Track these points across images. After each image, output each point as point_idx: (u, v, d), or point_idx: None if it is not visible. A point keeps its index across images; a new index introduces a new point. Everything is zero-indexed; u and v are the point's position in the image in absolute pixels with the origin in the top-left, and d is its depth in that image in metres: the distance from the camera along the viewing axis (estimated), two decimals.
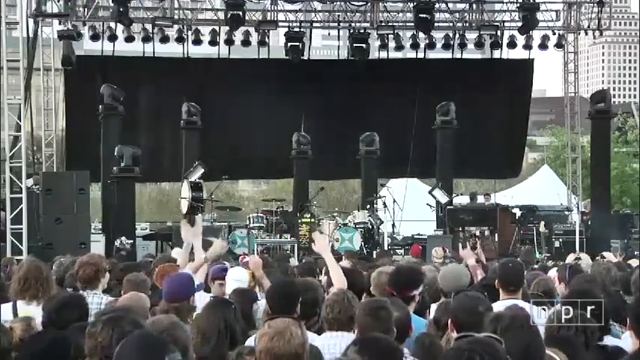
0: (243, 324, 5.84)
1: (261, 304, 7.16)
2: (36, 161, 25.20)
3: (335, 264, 7.11)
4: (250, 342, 5.75)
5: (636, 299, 4.98)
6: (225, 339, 5.38)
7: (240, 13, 23.63)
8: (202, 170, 21.68)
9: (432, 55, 29.07)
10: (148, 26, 25.19)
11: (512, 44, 26.29)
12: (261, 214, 22.00)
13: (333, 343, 5.40)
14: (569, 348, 4.80)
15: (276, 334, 4.30)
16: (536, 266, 12.90)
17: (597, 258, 12.05)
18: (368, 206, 22.57)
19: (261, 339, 4.34)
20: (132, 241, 20.21)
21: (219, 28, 25.62)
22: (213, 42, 25.78)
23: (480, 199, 24.73)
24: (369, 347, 4.24)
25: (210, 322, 5.45)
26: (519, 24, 25.26)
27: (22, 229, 18.00)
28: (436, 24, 25.19)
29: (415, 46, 26.47)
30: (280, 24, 25.57)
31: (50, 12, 21.22)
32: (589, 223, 23.62)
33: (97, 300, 7.04)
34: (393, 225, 22.74)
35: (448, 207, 22.84)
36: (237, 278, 7.62)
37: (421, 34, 25.93)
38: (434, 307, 6.86)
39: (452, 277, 7.28)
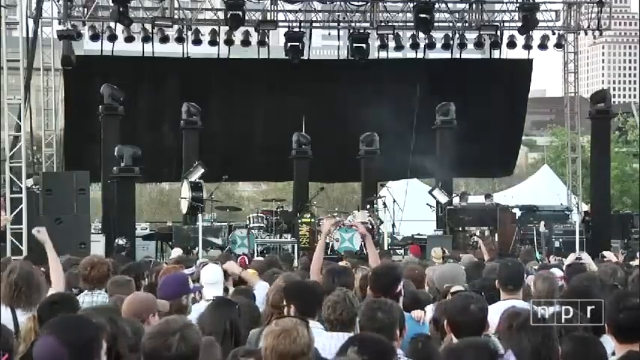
0: (246, 324, 5.84)
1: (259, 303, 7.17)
2: (36, 161, 25.19)
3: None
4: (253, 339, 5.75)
5: (610, 302, 4.97)
6: (230, 339, 5.39)
7: (240, 13, 23.63)
8: (202, 170, 21.70)
9: (431, 55, 29.07)
10: (148, 26, 25.20)
11: (511, 44, 26.29)
12: (261, 214, 22.00)
13: (334, 343, 5.39)
14: (584, 347, 4.80)
15: (282, 332, 4.31)
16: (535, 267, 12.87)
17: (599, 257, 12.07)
18: (368, 206, 22.57)
19: (267, 337, 4.35)
20: (129, 240, 20.21)
21: (219, 28, 25.62)
22: (213, 42, 25.78)
23: (473, 198, 24.71)
24: (365, 346, 4.25)
25: (216, 323, 5.45)
26: (519, 24, 25.26)
27: (22, 229, 18.00)
28: (436, 24, 25.20)
29: (415, 46, 26.47)
30: (280, 24, 25.57)
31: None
32: (589, 224, 23.59)
33: (101, 299, 7.05)
34: (393, 225, 22.73)
35: (448, 207, 22.85)
36: (211, 280, 7.38)
37: (421, 34, 25.93)
38: (431, 307, 6.87)
39: (449, 278, 7.27)
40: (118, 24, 24.31)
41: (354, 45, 25.61)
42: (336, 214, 23.94)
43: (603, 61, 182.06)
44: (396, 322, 5.30)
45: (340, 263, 10.21)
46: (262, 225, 21.48)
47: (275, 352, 4.27)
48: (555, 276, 8.27)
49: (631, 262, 12.56)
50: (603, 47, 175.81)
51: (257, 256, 18.18)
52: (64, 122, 26.65)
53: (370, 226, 21.56)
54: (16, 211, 18.15)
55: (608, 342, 4.92)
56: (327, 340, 5.41)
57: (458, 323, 5.00)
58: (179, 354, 3.96)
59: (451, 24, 26.18)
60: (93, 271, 7.24)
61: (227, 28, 25.10)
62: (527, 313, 4.51)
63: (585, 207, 26.28)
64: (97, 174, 21.98)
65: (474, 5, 25.94)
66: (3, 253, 16.40)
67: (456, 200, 23.68)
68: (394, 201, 22.84)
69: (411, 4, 24.67)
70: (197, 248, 19.65)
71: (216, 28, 25.76)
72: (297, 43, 25.31)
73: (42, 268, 7.48)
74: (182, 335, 4.00)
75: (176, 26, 25.39)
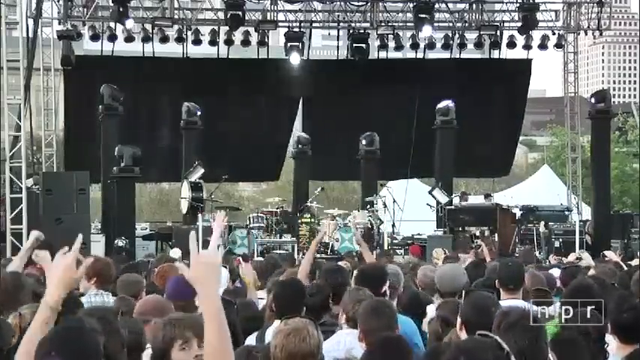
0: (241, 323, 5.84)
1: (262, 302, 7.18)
2: (36, 161, 25.19)
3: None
4: (250, 340, 5.75)
5: (613, 302, 4.96)
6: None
7: (240, 13, 23.65)
8: (202, 170, 21.69)
9: (431, 55, 29.08)
10: (148, 26, 25.19)
11: (511, 44, 26.28)
12: (261, 214, 22.01)
13: (350, 340, 5.41)
14: (573, 349, 4.78)
15: (292, 331, 4.31)
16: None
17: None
18: (368, 206, 22.56)
19: (277, 336, 4.35)
20: (130, 240, 20.21)
21: (219, 28, 25.62)
22: (213, 42, 25.77)
23: (473, 198, 24.67)
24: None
25: None
26: (519, 24, 25.26)
27: (22, 229, 17.99)
28: (436, 24, 25.20)
29: (415, 46, 26.47)
30: (280, 24, 25.58)
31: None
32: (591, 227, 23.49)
33: (106, 299, 7.05)
34: (393, 225, 22.72)
35: (448, 207, 22.84)
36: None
37: (421, 34, 25.92)
38: (432, 307, 6.86)
39: (450, 278, 7.24)
40: (117, 24, 24.30)
41: (354, 45, 25.62)
42: (336, 214, 23.82)
43: (603, 61, 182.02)
44: (396, 320, 5.33)
45: (340, 263, 10.21)
46: (262, 225, 21.49)
47: (284, 351, 4.27)
48: (541, 273, 8.30)
49: (630, 262, 12.54)
50: (603, 47, 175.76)
51: (257, 256, 18.18)
52: (64, 122, 26.67)
53: (370, 226, 21.58)
54: (16, 211, 18.17)
55: (611, 342, 4.93)
56: (342, 337, 5.43)
57: (477, 324, 4.88)
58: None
59: (451, 24, 26.18)
60: (103, 271, 7.23)
61: (227, 28, 25.10)
62: (516, 313, 4.47)
63: (587, 213, 26.18)
64: (97, 174, 21.96)
65: (474, 5, 25.94)
66: (3, 254, 16.39)
67: (456, 200, 23.67)
68: (394, 201, 22.84)
69: (411, 4, 24.67)
70: None
71: (216, 28, 25.76)
72: (297, 43, 25.31)
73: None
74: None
75: (176, 26, 25.38)
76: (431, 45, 26.48)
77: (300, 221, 21.84)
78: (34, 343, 3.70)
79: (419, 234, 23.27)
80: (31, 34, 22.21)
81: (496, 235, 22.12)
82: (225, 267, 8.29)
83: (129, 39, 25.29)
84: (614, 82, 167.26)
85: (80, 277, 3.99)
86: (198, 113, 23.73)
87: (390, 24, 25.54)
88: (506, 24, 26.26)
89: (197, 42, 25.73)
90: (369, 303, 5.57)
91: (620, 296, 5.17)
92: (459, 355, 3.33)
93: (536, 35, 26.38)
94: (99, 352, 3.44)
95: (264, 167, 27.98)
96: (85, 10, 24.60)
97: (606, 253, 13.42)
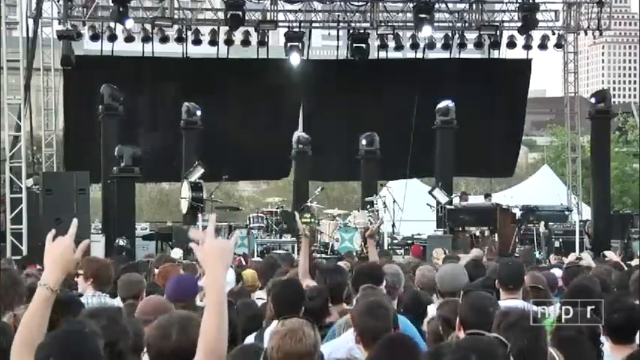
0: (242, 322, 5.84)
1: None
2: (36, 161, 25.20)
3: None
4: (249, 340, 5.75)
5: (607, 302, 4.96)
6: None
7: (240, 13, 23.66)
8: (202, 170, 21.71)
9: (431, 55, 29.09)
10: (148, 26, 25.20)
11: (511, 44, 26.29)
12: (261, 214, 22.03)
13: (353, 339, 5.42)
14: (574, 348, 4.79)
15: (288, 332, 4.30)
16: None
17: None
18: (368, 206, 22.56)
19: (273, 337, 4.35)
20: (130, 240, 20.20)
21: (219, 28, 25.63)
22: (213, 42, 25.79)
23: (473, 198, 24.69)
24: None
25: None
26: (519, 24, 25.27)
27: (22, 229, 18.00)
28: (436, 24, 25.20)
29: (415, 46, 26.47)
30: (280, 24, 25.60)
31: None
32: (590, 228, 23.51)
33: (103, 301, 7.02)
34: (393, 225, 22.72)
35: (448, 207, 22.84)
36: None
37: (421, 34, 25.93)
38: (432, 307, 6.86)
39: (450, 278, 7.24)
40: (117, 24, 24.30)
41: (354, 45, 25.64)
42: (336, 214, 23.81)
43: (603, 61, 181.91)
44: (394, 320, 5.32)
45: (339, 263, 10.21)
46: (262, 225, 21.50)
47: (280, 351, 4.26)
48: (541, 273, 8.31)
49: (630, 262, 12.55)
50: (603, 47, 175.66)
51: (257, 256, 18.20)
52: (64, 122, 26.67)
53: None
54: (16, 211, 18.18)
55: (606, 342, 4.93)
56: (352, 336, 5.46)
57: (475, 324, 4.88)
58: (179, 344, 3.96)
59: (451, 24, 26.19)
60: (110, 272, 7.21)
61: (227, 28, 25.12)
62: (516, 313, 4.47)
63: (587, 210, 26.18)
64: (97, 174, 21.97)
65: (474, 5, 25.95)
66: (3, 253, 16.41)
67: (456, 200, 23.67)
68: (394, 201, 22.84)
69: (411, 4, 24.67)
70: None
71: (216, 28, 25.77)
72: (297, 43, 25.32)
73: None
74: (182, 326, 4.00)
75: (176, 26, 25.39)
76: (431, 45, 26.50)
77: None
78: (32, 324, 3.69)
79: (419, 234, 23.26)
80: (31, 34, 22.23)
81: (496, 235, 22.11)
82: (232, 267, 8.30)
83: (129, 39, 25.30)
84: (614, 82, 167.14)
85: (78, 258, 3.94)
86: (198, 113, 23.73)
87: (390, 24, 25.55)
88: (506, 24, 26.27)
89: (197, 42, 25.74)
90: (364, 303, 5.55)
91: (613, 297, 5.17)
92: (470, 354, 3.32)
93: (536, 35, 26.41)
94: (99, 356, 3.39)
95: (265, 167, 27.99)
96: (85, 10, 24.60)
97: (606, 253, 13.44)
